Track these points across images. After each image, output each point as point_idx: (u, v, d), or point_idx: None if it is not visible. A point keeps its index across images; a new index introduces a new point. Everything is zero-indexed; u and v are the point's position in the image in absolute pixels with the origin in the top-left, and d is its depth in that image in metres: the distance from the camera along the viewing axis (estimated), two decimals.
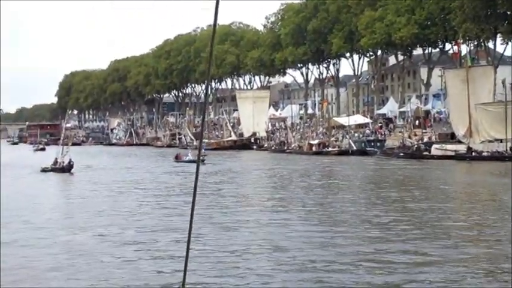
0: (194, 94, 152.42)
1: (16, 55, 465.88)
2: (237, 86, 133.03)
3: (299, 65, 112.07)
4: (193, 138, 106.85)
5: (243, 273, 16.03)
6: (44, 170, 52.19)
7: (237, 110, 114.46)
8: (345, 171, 50.81)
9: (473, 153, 58.16)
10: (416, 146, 64.62)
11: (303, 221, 24.02)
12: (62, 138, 59.15)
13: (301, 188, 37.24)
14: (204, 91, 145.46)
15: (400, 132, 73.29)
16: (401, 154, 62.90)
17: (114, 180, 45.16)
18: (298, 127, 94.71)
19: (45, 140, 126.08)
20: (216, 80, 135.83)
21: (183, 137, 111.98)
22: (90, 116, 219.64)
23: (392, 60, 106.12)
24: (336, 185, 40.30)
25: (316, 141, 76.20)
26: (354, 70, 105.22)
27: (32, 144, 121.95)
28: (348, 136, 75.25)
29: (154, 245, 19.89)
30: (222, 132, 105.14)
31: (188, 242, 4.89)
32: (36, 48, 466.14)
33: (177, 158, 65.58)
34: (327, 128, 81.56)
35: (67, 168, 50.79)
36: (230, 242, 19.97)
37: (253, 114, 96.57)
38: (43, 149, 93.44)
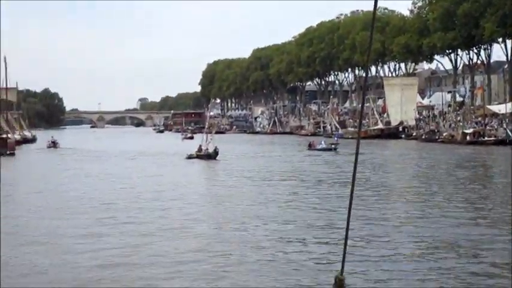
0: (337, 82, 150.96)
1: (160, 46, 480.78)
2: (381, 74, 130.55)
3: (448, 51, 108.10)
4: (338, 126, 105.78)
5: (397, 270, 15.10)
6: (190, 157, 53.94)
7: (381, 98, 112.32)
8: (507, 162, 48.01)
9: None
10: None
11: (457, 219, 21.83)
12: (206, 127, 60.46)
13: (457, 181, 34.76)
14: (348, 78, 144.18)
15: None
16: None
17: (255, 168, 45.33)
18: (448, 115, 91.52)
19: (192, 128, 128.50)
20: (360, 68, 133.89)
21: (327, 125, 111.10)
22: (232, 105, 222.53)
23: None
24: (497, 178, 37.97)
25: (470, 130, 72.98)
26: (507, 55, 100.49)
27: (180, 132, 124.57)
28: (504, 125, 71.77)
29: (307, 234, 19.45)
30: (367, 120, 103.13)
31: (347, 230, 4.96)
32: (180, 38, 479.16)
33: (310, 146, 65.43)
34: (480, 116, 78.06)
35: (213, 156, 52.29)
36: (378, 235, 19.04)
37: (401, 102, 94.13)
38: (191, 138, 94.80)
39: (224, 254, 16.91)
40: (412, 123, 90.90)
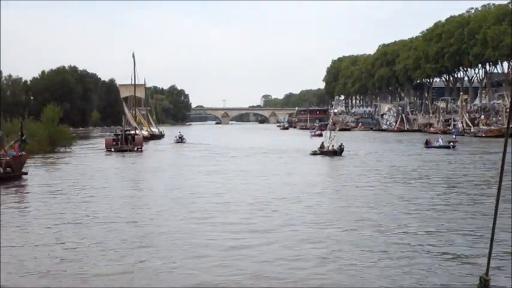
0: (467, 78, 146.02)
1: (284, 43, 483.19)
2: None
3: None
4: (470, 124, 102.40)
5: None
6: (314, 154, 54.97)
7: None
8: None
9: None
10: None
11: None
12: (329, 124, 61.17)
13: None
14: (478, 74, 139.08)
15: None
16: None
17: (380, 166, 44.38)
18: None
19: (318, 125, 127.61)
20: (491, 64, 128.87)
21: (458, 123, 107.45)
22: (357, 101, 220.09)
23: None
24: None
25: None
26: None
27: (305, 128, 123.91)
28: None
29: (449, 234, 18.85)
30: (500, 118, 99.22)
31: (493, 230, 4.86)
32: (304, 35, 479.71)
33: (427, 144, 65.20)
34: None
35: (338, 152, 53.20)
36: None
37: None
38: (320, 135, 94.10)
39: (364, 257, 16.13)
40: None
